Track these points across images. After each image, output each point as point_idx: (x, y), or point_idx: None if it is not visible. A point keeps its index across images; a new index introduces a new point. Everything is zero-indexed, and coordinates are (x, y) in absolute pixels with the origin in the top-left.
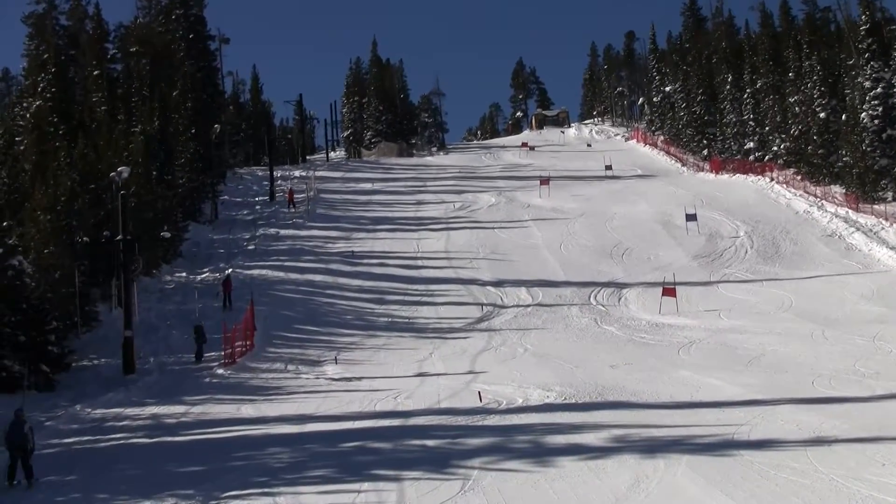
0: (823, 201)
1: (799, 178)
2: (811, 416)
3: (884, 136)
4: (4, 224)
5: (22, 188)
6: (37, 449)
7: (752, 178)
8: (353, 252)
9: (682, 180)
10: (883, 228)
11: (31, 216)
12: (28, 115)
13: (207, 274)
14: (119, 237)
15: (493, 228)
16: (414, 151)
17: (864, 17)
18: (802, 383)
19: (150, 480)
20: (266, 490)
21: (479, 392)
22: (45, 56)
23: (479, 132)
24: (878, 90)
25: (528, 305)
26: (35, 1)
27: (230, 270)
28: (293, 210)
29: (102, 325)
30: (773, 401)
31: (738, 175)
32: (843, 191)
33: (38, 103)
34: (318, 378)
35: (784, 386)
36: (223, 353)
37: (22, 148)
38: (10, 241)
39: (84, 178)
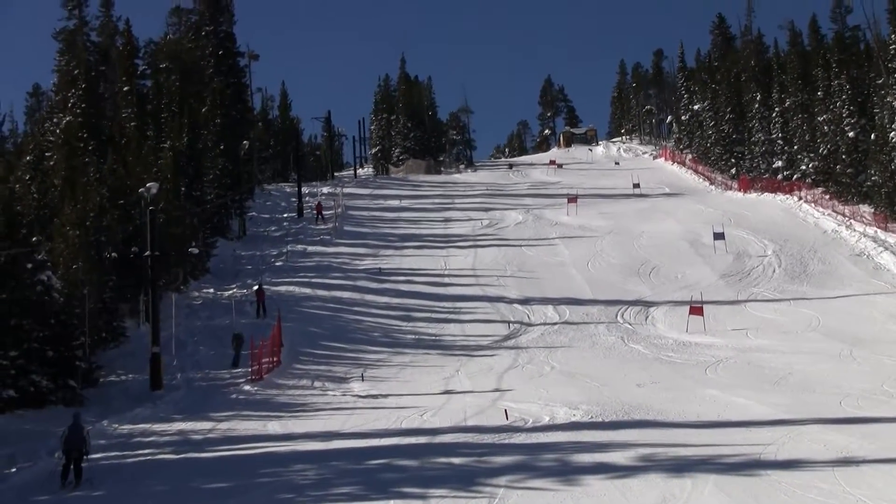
0: (852, 220)
1: (827, 197)
2: (839, 437)
3: None
4: (34, 239)
5: (51, 203)
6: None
7: (780, 196)
8: (380, 269)
9: (709, 199)
10: None
11: (60, 231)
12: (58, 131)
13: (235, 290)
14: (147, 253)
15: (521, 246)
16: (442, 168)
17: (893, 35)
18: (830, 403)
19: (176, 496)
20: None
21: (506, 410)
22: (76, 72)
23: (507, 150)
24: None
25: (555, 323)
26: (66, 17)
27: (262, 280)
28: (321, 221)
29: (130, 341)
30: (800, 420)
31: (766, 194)
32: (872, 210)
33: (68, 119)
34: (344, 395)
35: (811, 405)
36: (250, 370)
37: (52, 163)
38: (39, 257)
39: (113, 194)
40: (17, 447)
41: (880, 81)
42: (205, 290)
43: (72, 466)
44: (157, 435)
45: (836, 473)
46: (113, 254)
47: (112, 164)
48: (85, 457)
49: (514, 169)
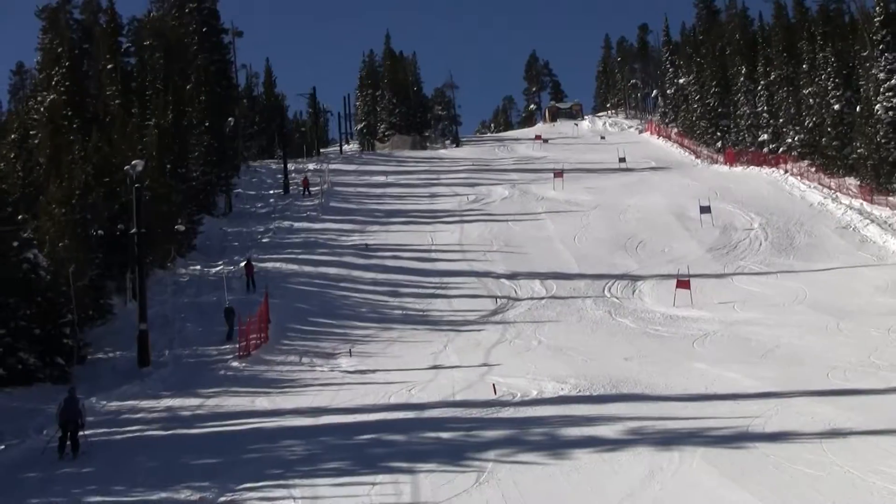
0: (838, 193)
1: (813, 169)
2: (826, 409)
3: None
4: (20, 217)
5: (37, 182)
6: (55, 440)
7: (766, 170)
8: (367, 245)
9: (695, 172)
10: None
11: (45, 209)
12: (42, 109)
13: (222, 266)
14: (133, 230)
15: (507, 221)
16: (427, 144)
17: (878, 8)
18: (817, 375)
19: (165, 473)
20: (281, 482)
21: (494, 384)
22: (59, 50)
23: (492, 125)
24: (893, 81)
25: (542, 298)
26: None
27: (251, 255)
28: (308, 195)
29: (117, 318)
30: (787, 393)
31: (752, 167)
32: (858, 183)
33: (52, 97)
34: (332, 370)
35: (799, 378)
36: (238, 346)
37: (36, 142)
38: (25, 235)
39: (98, 172)
40: (6, 425)
41: (865, 54)
42: (192, 267)
43: (68, 440)
44: (146, 412)
45: (823, 445)
46: (99, 231)
47: (97, 142)
48: (82, 429)
49: (502, 144)
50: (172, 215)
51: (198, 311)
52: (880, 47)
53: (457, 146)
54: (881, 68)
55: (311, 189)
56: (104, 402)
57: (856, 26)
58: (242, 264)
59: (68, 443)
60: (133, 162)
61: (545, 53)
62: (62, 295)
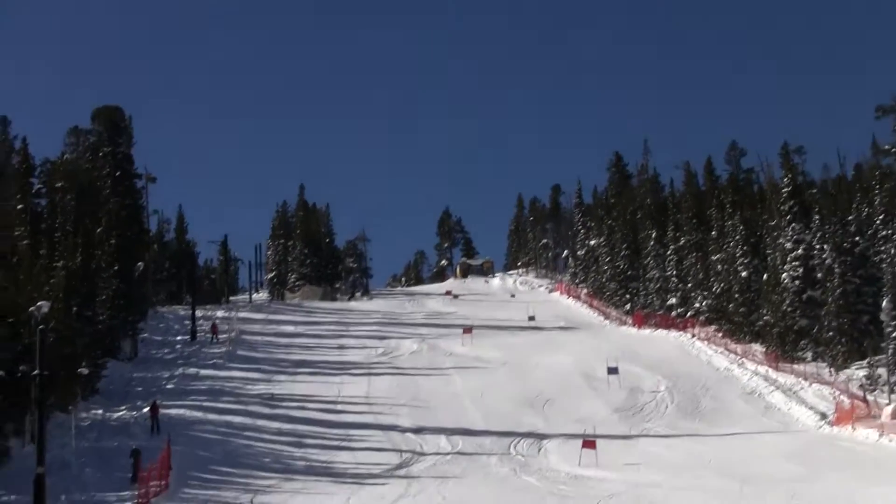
0: (744, 359)
1: (720, 335)
2: None
3: (804, 296)
4: None
5: None
6: None
7: (673, 333)
8: (272, 395)
9: (604, 333)
10: (802, 388)
11: None
12: None
13: (125, 411)
14: (35, 372)
15: (415, 375)
16: (338, 296)
17: (786, 178)
18: None
19: None
20: None
21: None
22: None
23: (403, 279)
24: (799, 251)
25: (448, 453)
26: None
27: (157, 399)
28: (216, 342)
29: (14, 461)
30: None
31: (660, 330)
32: (764, 349)
33: None
34: None
35: None
36: (138, 493)
37: None
38: None
39: (2, 312)
40: None
41: (773, 223)
42: (94, 412)
43: None
44: None
45: None
46: (0, 372)
47: (3, 282)
48: None
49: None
50: (77, 358)
51: (98, 456)
52: (787, 217)
53: (368, 298)
54: (788, 238)
55: (218, 336)
56: None
57: (764, 196)
58: (147, 408)
59: None
60: (38, 303)
61: (458, 209)
62: None
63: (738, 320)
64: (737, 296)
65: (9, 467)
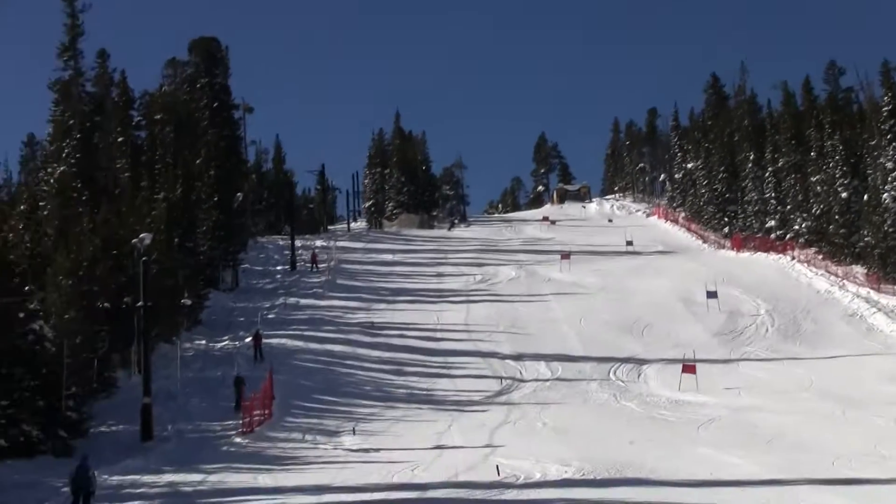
0: (845, 281)
1: (820, 257)
2: (831, 497)
3: None
4: (26, 288)
5: (44, 253)
6: None
7: (773, 256)
8: (372, 323)
9: (702, 257)
10: None
11: (52, 281)
12: (52, 181)
13: (227, 341)
14: (140, 304)
15: (514, 302)
16: (435, 223)
17: (887, 97)
18: (822, 464)
19: None
20: None
21: (497, 466)
22: (71, 122)
23: (500, 205)
24: None
25: (547, 380)
26: (62, 68)
27: (259, 327)
28: (316, 270)
29: (121, 392)
30: (792, 481)
31: (759, 253)
32: (865, 271)
33: (62, 169)
34: (335, 448)
35: (804, 466)
36: (242, 422)
37: (45, 213)
38: (32, 306)
39: (106, 244)
40: (6, 496)
41: (873, 143)
42: (197, 342)
43: None
44: (147, 486)
45: None
46: (105, 304)
47: (105, 215)
48: (92, 496)
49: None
50: (179, 289)
51: (202, 386)
52: (888, 137)
53: (465, 226)
54: (889, 157)
55: (318, 265)
56: (106, 477)
57: (864, 115)
58: (249, 339)
59: None
60: (141, 235)
61: (554, 135)
62: (66, 367)
63: (838, 242)
64: (837, 217)
65: (116, 398)
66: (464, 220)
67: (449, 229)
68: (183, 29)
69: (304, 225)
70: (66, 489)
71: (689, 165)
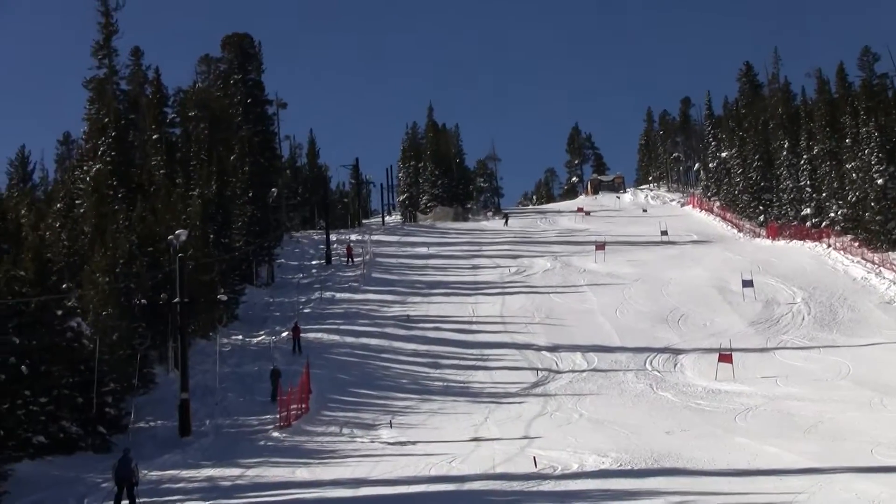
0: (881, 268)
1: (856, 244)
2: (870, 486)
3: None
4: (64, 286)
5: (81, 250)
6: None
7: (808, 244)
8: (408, 316)
9: (738, 246)
10: None
11: (89, 278)
12: (88, 179)
13: (264, 336)
14: (176, 300)
15: (549, 293)
16: (469, 216)
17: None
18: (861, 452)
19: None
20: None
21: (535, 457)
22: (106, 120)
23: (534, 197)
24: None
25: (584, 371)
26: (96, 66)
27: (297, 319)
28: (351, 264)
29: (159, 387)
30: (831, 469)
31: (794, 241)
32: None
33: (98, 167)
34: (372, 442)
35: (842, 454)
36: (279, 416)
37: (82, 211)
38: (69, 303)
39: (142, 241)
40: (47, 493)
41: None
42: (233, 337)
43: (124, 497)
44: (186, 481)
45: None
46: (142, 300)
47: (141, 212)
48: (136, 486)
49: (544, 216)
50: (215, 285)
51: (239, 381)
52: None
53: (499, 218)
54: None
55: (354, 258)
56: (145, 472)
57: None
58: (285, 334)
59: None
60: (177, 231)
61: (587, 126)
62: (104, 364)
63: (874, 229)
64: (873, 204)
65: (154, 394)
66: (497, 211)
67: (505, 223)
68: (216, 25)
69: (338, 219)
70: (105, 485)
71: (724, 154)
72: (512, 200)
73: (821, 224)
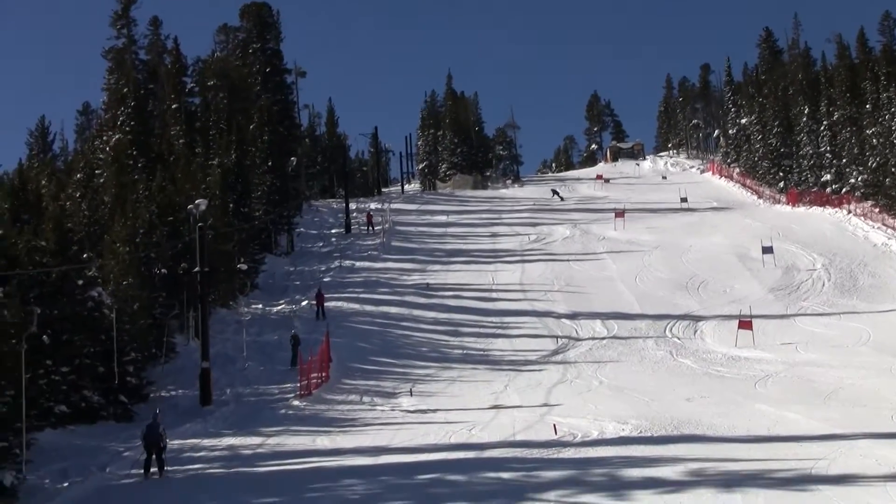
0: None
1: (877, 210)
2: (891, 452)
3: None
4: (84, 256)
5: (101, 220)
6: (118, 477)
7: (829, 210)
8: (428, 284)
9: (758, 212)
10: None
11: (110, 248)
12: (108, 149)
13: (284, 305)
14: (196, 269)
15: (568, 261)
16: (489, 184)
17: None
18: (881, 418)
19: None
20: None
21: (554, 425)
22: (125, 90)
23: (553, 164)
24: None
25: (603, 338)
26: (115, 36)
27: (320, 285)
28: (372, 232)
29: (179, 357)
30: (851, 435)
31: (814, 207)
32: None
33: (117, 136)
34: (392, 410)
35: (863, 420)
36: (299, 385)
37: (102, 181)
38: (90, 273)
39: (162, 211)
40: (69, 462)
41: None
42: (254, 306)
43: (153, 462)
44: (207, 450)
45: (888, 489)
46: (162, 270)
47: (161, 181)
48: (164, 451)
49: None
50: (235, 254)
51: (259, 350)
52: None
53: (519, 185)
54: None
55: (374, 226)
56: (166, 440)
57: None
58: (304, 303)
59: (153, 468)
60: (196, 201)
61: (607, 93)
62: (125, 333)
63: (894, 195)
64: (893, 170)
65: (175, 363)
66: (517, 178)
67: (561, 199)
68: None
69: (357, 188)
70: (127, 454)
71: (743, 121)
72: (531, 167)
73: (841, 190)
